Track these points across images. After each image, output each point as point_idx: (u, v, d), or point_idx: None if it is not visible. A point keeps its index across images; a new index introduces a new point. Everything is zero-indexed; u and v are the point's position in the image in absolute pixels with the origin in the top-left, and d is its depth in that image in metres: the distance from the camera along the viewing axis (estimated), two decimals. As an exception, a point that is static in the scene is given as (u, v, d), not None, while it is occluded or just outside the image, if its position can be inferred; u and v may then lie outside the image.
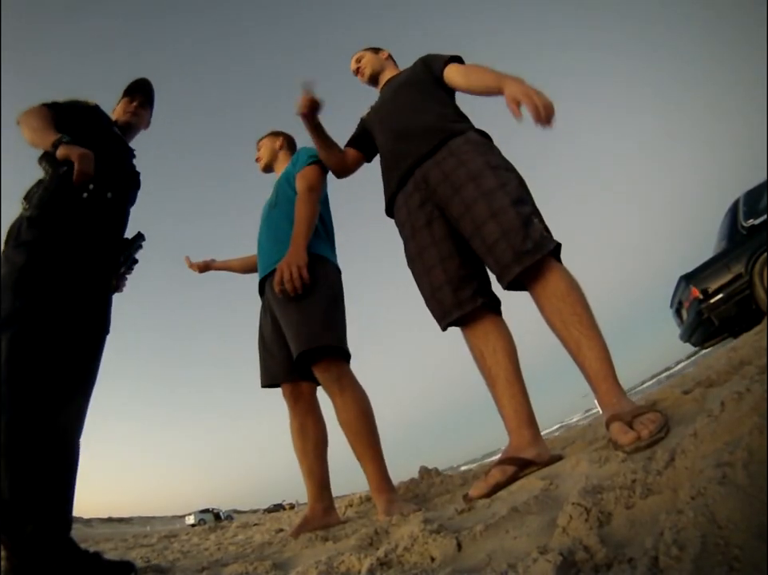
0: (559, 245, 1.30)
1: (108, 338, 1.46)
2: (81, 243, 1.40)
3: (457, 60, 1.64)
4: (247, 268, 2.27)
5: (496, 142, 1.55)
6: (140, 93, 1.85)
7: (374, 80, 1.91)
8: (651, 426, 0.95)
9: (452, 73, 1.60)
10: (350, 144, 1.84)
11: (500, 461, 1.28)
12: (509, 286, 1.33)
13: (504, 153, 1.49)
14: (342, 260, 1.97)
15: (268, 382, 1.90)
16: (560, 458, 1.27)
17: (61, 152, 1.31)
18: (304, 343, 1.62)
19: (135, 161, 1.74)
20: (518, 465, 1.25)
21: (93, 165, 1.33)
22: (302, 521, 1.76)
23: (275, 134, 2.21)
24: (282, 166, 2.11)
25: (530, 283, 1.30)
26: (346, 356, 1.71)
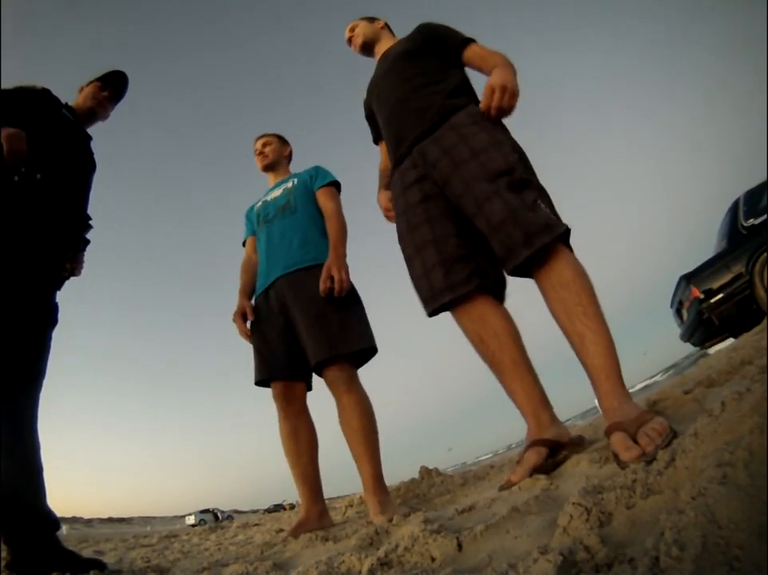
0: (568, 230, 1.22)
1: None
2: (15, 228, 1.35)
3: (471, 41, 1.54)
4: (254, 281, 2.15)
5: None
6: (114, 87, 1.81)
7: (367, 48, 1.80)
8: (657, 440, 0.87)
9: (469, 56, 1.52)
10: (380, 137, 1.76)
11: (532, 444, 1.23)
12: (514, 271, 1.26)
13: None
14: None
15: (262, 377, 1.88)
16: (581, 439, 1.21)
17: None
18: (353, 344, 1.71)
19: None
20: (549, 446, 1.21)
21: (25, 144, 1.30)
22: (297, 524, 1.75)
23: (284, 141, 2.24)
24: (282, 173, 2.17)
25: (535, 270, 1.22)
26: (357, 362, 1.80)
